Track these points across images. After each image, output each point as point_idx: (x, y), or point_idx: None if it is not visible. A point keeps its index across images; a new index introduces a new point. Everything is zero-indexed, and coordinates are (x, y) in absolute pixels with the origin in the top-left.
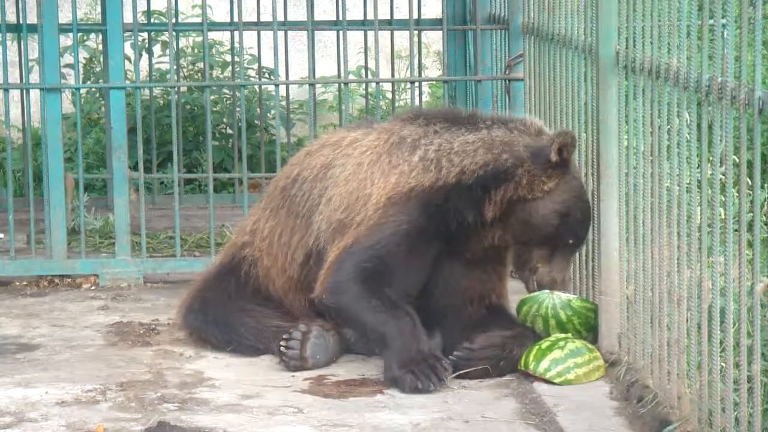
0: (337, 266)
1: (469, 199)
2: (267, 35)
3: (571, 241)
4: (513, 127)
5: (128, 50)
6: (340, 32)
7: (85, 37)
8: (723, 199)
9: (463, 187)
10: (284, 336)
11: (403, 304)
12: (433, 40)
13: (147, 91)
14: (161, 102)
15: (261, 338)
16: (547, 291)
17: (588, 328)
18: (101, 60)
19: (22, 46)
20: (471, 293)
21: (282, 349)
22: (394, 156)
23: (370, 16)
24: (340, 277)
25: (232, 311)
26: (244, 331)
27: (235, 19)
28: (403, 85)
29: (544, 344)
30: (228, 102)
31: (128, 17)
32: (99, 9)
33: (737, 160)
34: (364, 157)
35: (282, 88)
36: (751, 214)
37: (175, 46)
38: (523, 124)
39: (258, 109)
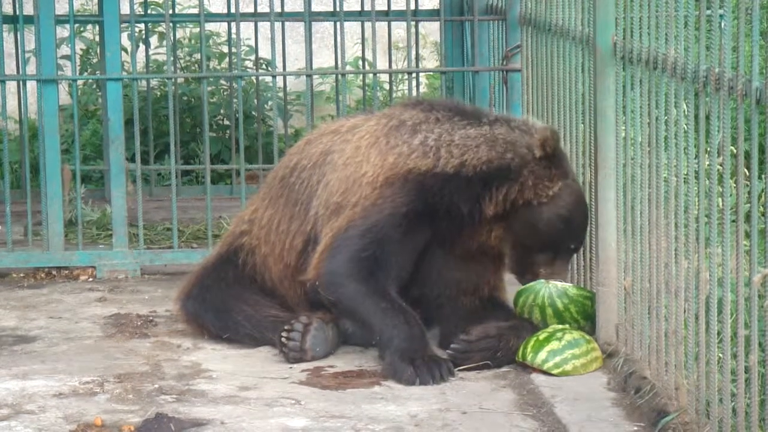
0: (332, 252)
1: (467, 192)
2: (264, 26)
3: (572, 246)
4: (515, 126)
5: (125, 41)
6: (338, 23)
7: (81, 29)
8: (720, 189)
9: (462, 179)
10: (286, 327)
11: (408, 306)
12: (431, 30)
13: (144, 83)
14: (158, 93)
15: (258, 327)
16: (542, 280)
17: (585, 317)
18: (98, 51)
19: (19, 38)
20: (466, 284)
21: (283, 340)
22: (392, 137)
23: (367, 7)
24: (336, 267)
25: (230, 299)
26: (241, 319)
27: (232, 10)
28: (400, 76)
29: (542, 335)
30: (225, 93)
31: (125, 8)
32: (96, 0)
33: (735, 151)
34: (363, 140)
35: (279, 79)
36: (749, 204)
37: (172, 38)
38: (525, 125)
39: (255, 101)
